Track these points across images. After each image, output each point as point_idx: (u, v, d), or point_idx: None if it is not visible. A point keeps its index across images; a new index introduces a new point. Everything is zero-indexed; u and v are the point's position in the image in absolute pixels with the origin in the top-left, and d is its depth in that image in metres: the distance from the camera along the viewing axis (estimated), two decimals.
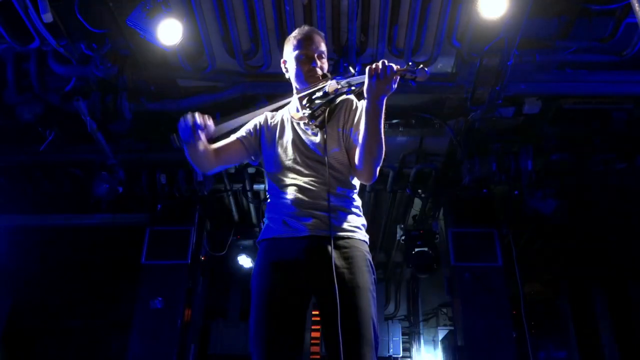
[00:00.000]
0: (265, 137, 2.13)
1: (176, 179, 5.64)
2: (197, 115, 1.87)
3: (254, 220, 7.01)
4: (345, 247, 1.87)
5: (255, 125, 2.16)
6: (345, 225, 1.92)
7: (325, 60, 2.12)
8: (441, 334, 8.45)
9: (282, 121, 2.14)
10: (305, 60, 2.06)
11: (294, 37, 2.12)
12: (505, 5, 3.61)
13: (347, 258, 1.85)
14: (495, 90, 4.44)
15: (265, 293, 1.85)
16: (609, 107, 4.90)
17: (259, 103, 4.64)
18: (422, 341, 8.75)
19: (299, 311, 1.85)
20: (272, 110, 2.21)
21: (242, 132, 2.15)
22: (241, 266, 7.25)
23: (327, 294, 1.76)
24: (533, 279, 8.49)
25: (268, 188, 2.09)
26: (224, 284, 8.71)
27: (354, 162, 1.94)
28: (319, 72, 2.05)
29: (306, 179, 1.96)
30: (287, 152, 2.03)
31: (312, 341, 7.75)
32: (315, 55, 2.07)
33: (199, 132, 1.87)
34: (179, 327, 5.53)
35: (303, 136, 2.04)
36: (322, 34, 2.16)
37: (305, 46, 2.07)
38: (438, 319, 8.89)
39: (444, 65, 4.61)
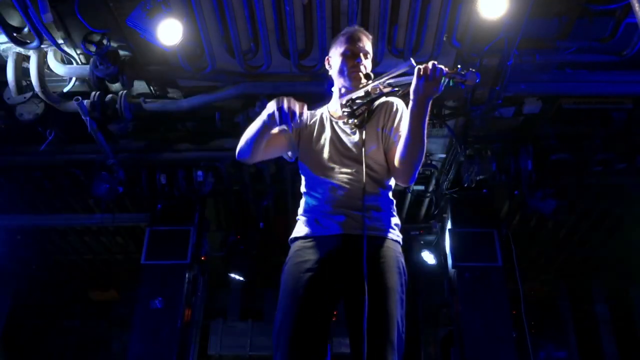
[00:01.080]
0: (304, 134, 2.11)
1: (176, 179, 5.63)
2: (298, 103, 1.82)
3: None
4: (377, 247, 1.85)
5: None
6: (378, 225, 1.90)
7: (370, 61, 2.11)
8: (441, 334, 8.45)
9: (322, 119, 2.13)
10: (351, 56, 2.06)
11: (342, 34, 2.14)
12: (505, 5, 3.60)
13: (378, 258, 1.83)
14: (495, 90, 4.44)
15: (293, 292, 1.83)
16: (609, 107, 4.89)
17: (259, 103, 4.64)
18: (422, 341, 8.74)
19: (327, 311, 1.83)
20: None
21: (285, 127, 2.12)
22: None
23: (355, 294, 1.74)
24: (533, 278, 8.50)
25: (304, 186, 2.08)
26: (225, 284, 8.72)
27: (393, 164, 1.92)
28: (363, 70, 2.05)
29: (342, 177, 1.94)
30: (324, 150, 2.02)
31: None
32: (361, 53, 2.08)
33: (296, 120, 1.81)
34: (179, 327, 5.53)
35: (341, 135, 2.04)
36: (370, 36, 2.16)
37: (351, 42, 2.08)
38: (438, 319, 8.88)
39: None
